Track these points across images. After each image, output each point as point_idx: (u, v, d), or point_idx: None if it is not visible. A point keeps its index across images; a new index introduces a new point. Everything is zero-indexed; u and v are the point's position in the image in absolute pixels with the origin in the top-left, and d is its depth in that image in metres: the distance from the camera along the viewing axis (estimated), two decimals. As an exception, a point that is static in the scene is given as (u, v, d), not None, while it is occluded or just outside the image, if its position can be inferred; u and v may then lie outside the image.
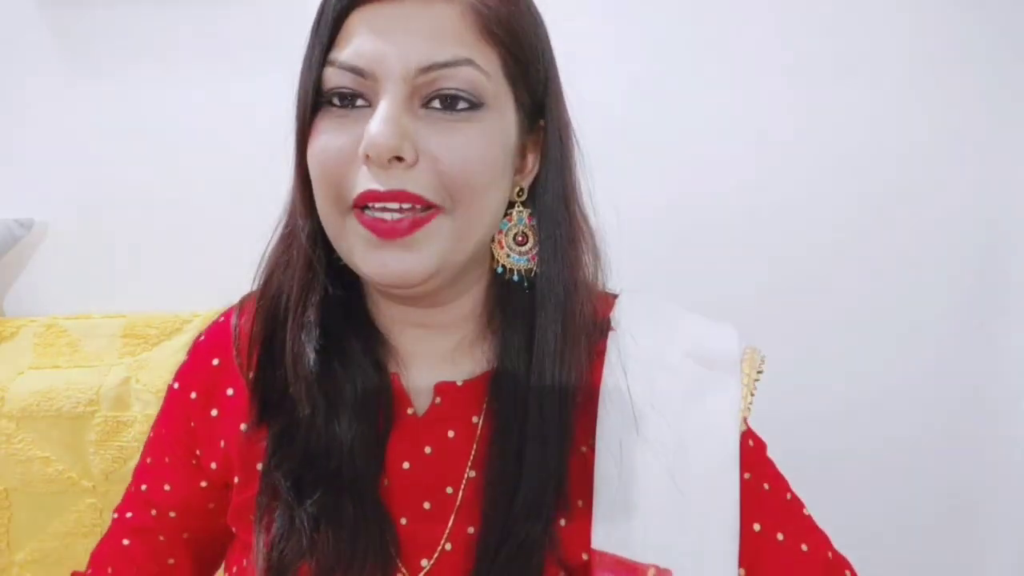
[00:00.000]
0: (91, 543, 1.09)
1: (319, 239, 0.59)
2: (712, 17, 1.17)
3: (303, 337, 0.59)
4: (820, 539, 0.62)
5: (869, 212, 1.18)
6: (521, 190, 0.61)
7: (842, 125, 1.17)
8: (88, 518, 1.07)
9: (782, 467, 0.67)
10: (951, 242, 1.18)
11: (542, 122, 0.61)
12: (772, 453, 0.65)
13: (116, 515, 0.69)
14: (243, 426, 0.63)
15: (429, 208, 0.54)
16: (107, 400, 1.06)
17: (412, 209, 0.54)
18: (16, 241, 1.24)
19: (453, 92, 0.54)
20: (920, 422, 1.21)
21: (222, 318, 0.69)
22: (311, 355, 0.59)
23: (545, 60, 0.60)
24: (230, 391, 0.65)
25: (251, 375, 0.62)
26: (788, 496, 0.63)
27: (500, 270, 0.62)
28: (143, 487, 0.68)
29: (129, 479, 0.70)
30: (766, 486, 0.62)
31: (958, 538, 1.23)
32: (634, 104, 1.19)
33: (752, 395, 0.67)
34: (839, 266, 1.19)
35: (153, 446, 0.69)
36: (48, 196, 1.28)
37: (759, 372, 0.66)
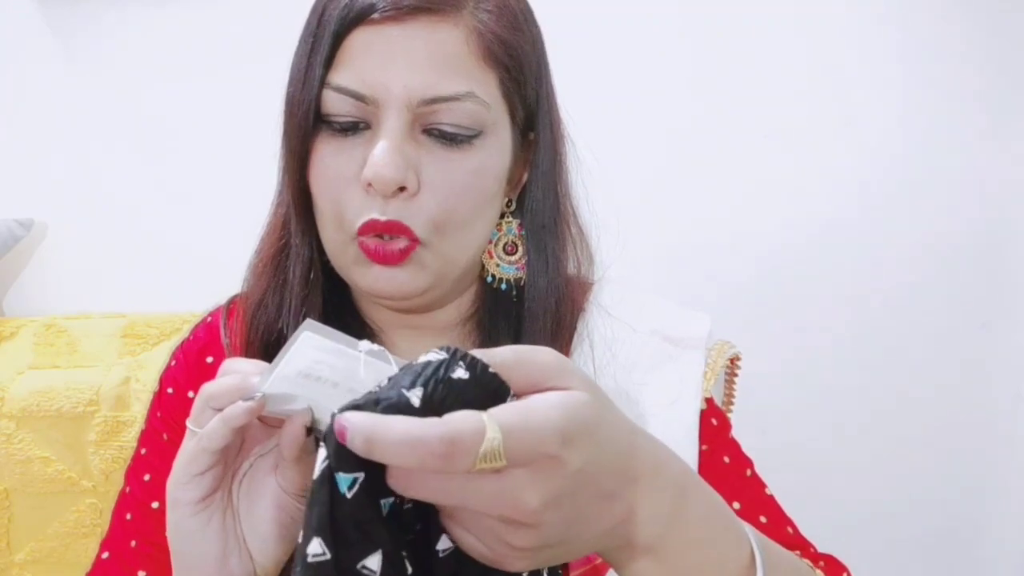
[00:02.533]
0: (91, 543, 1.09)
1: (316, 257, 0.60)
2: (714, 18, 1.17)
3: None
4: (782, 517, 0.62)
5: (869, 212, 1.18)
6: (510, 201, 0.62)
7: (843, 124, 1.17)
8: (88, 518, 1.07)
9: (781, 464, 0.67)
10: (952, 242, 1.18)
11: (532, 135, 0.61)
12: (770, 451, 0.65)
13: (107, 554, 0.62)
14: None
15: (414, 240, 0.55)
16: (107, 400, 1.06)
17: (401, 238, 0.55)
18: (16, 241, 1.24)
19: (453, 129, 0.54)
20: (920, 422, 1.21)
21: (209, 318, 0.69)
22: None
23: (540, 73, 0.60)
24: None
25: None
26: (748, 473, 0.64)
27: (490, 279, 0.62)
28: (154, 505, 0.62)
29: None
30: (725, 459, 0.62)
31: (960, 538, 1.23)
32: (632, 107, 1.19)
33: (732, 388, 0.68)
34: (839, 266, 1.19)
35: (153, 459, 0.65)
36: (48, 196, 1.28)
37: (731, 364, 0.67)
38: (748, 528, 0.43)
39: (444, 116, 0.54)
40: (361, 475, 0.33)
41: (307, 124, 0.55)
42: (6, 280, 1.29)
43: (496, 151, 0.57)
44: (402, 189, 0.54)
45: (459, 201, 0.55)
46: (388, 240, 0.55)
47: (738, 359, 0.68)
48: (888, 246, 1.18)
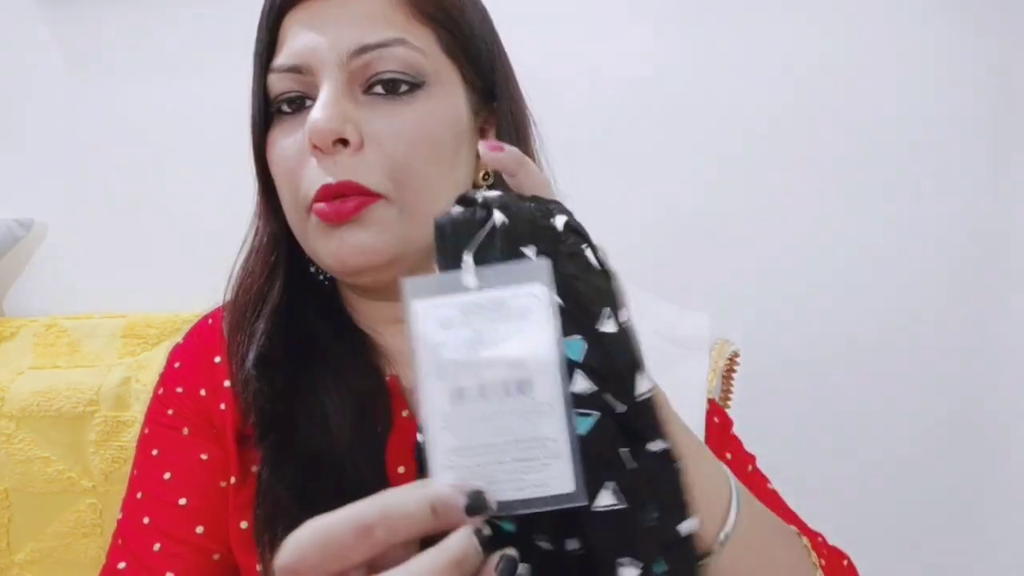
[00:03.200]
0: (91, 543, 1.09)
1: (281, 245, 0.61)
2: (702, 16, 1.17)
3: (249, 344, 0.60)
4: (787, 511, 0.62)
5: (865, 210, 1.18)
6: (487, 175, 0.62)
7: (839, 122, 1.17)
8: (88, 518, 1.07)
9: (780, 468, 0.67)
10: (951, 239, 1.18)
11: (495, 104, 0.62)
12: (769, 453, 0.65)
13: (124, 564, 0.60)
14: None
15: (371, 195, 0.55)
16: (107, 400, 1.06)
17: (357, 196, 0.54)
18: (16, 241, 1.24)
19: (391, 74, 0.55)
20: (920, 424, 1.21)
21: (210, 320, 0.69)
22: (250, 361, 0.59)
23: (488, 39, 0.61)
24: (227, 383, 0.64)
25: (234, 386, 0.61)
26: (750, 468, 0.64)
27: None
28: (182, 502, 0.61)
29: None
30: (728, 456, 0.63)
31: (960, 540, 1.23)
32: (617, 102, 1.19)
33: (730, 384, 0.68)
34: (832, 266, 1.19)
35: (172, 455, 0.63)
36: (48, 196, 1.28)
37: (731, 362, 0.67)
38: (727, 469, 0.46)
39: (378, 65, 0.55)
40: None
41: (259, 115, 0.58)
42: (6, 280, 1.29)
43: (445, 103, 0.57)
44: (345, 144, 0.54)
45: (408, 150, 0.55)
46: (340, 202, 0.54)
47: (737, 356, 0.69)
48: (884, 244, 1.18)
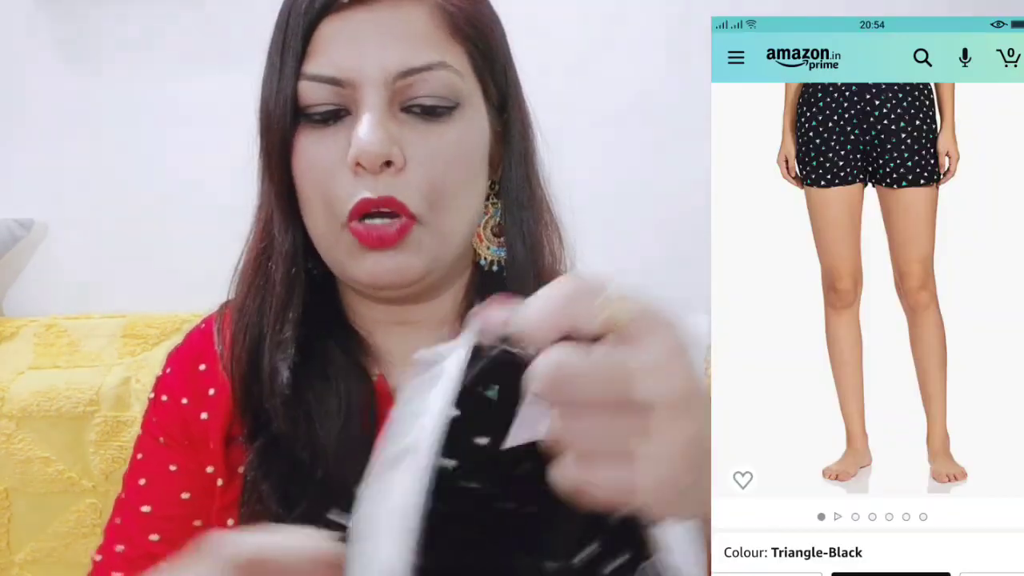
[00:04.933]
0: (91, 543, 1.08)
1: (299, 254, 0.60)
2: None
3: (278, 356, 0.59)
4: None
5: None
6: (494, 183, 0.63)
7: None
8: (88, 518, 1.07)
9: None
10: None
11: (505, 114, 0.62)
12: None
13: (100, 557, 0.63)
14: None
15: (411, 217, 0.55)
16: (107, 400, 1.06)
17: (397, 217, 0.55)
18: (16, 241, 1.24)
19: (432, 101, 0.55)
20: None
21: (203, 325, 0.69)
22: (285, 373, 0.59)
23: (504, 50, 0.62)
24: (212, 391, 0.64)
25: (235, 389, 0.61)
26: None
27: (483, 262, 0.63)
28: (144, 508, 0.62)
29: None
30: None
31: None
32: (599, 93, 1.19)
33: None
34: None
35: (149, 462, 0.65)
36: (48, 196, 1.28)
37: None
38: None
39: (420, 88, 0.55)
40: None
41: (286, 119, 0.56)
42: (6, 280, 1.29)
43: (475, 124, 0.58)
44: (388, 164, 0.54)
45: (447, 173, 0.56)
46: (382, 224, 0.54)
47: None
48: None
